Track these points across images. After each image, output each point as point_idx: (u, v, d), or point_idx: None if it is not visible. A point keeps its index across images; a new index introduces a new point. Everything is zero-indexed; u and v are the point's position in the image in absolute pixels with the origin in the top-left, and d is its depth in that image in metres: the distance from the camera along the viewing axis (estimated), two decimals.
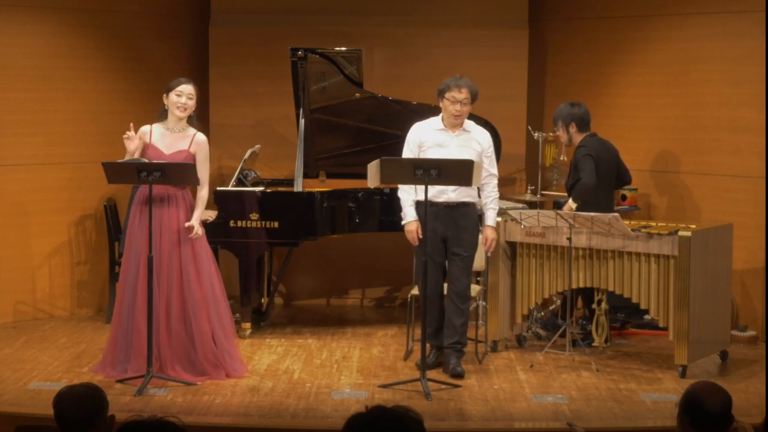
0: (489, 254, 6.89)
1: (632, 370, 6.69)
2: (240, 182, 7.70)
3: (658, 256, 6.48)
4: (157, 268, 6.27)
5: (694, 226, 6.60)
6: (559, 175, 8.42)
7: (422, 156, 6.51)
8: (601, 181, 7.10)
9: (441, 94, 6.55)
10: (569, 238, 6.67)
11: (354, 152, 8.03)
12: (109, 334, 6.57)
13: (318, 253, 8.67)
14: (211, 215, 7.31)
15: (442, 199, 6.53)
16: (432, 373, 6.39)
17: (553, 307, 7.69)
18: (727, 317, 6.99)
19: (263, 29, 8.66)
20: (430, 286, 6.46)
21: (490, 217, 6.64)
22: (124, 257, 6.49)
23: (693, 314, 6.41)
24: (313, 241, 7.63)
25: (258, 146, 8.03)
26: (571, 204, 7.04)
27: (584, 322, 7.42)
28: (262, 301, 8.17)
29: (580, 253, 6.76)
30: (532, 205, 7.98)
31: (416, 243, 6.59)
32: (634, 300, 6.63)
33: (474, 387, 6.31)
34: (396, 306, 8.77)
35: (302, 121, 7.60)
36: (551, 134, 8.14)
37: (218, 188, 7.52)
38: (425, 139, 6.58)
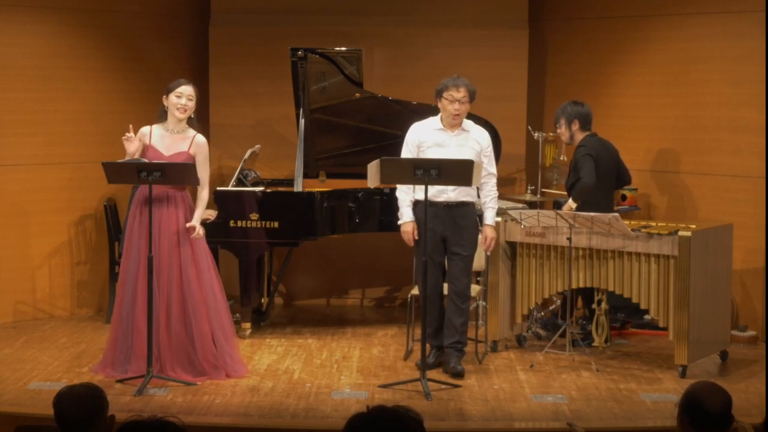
0: (488, 253, 6.89)
1: (632, 370, 6.69)
2: (240, 182, 7.70)
3: (658, 256, 6.48)
4: (157, 269, 6.27)
5: (694, 226, 6.60)
6: (559, 175, 8.42)
7: (421, 156, 6.52)
8: (600, 181, 7.10)
9: (439, 94, 6.56)
10: (569, 238, 6.67)
11: (354, 152, 8.03)
12: (109, 335, 6.57)
13: (318, 253, 8.67)
14: (212, 214, 7.31)
15: (441, 198, 6.54)
16: (432, 373, 6.39)
17: (553, 307, 7.69)
18: (727, 317, 6.99)
19: (263, 29, 8.66)
20: (430, 285, 6.46)
21: (489, 217, 6.65)
22: (124, 257, 6.48)
23: (693, 314, 6.41)
24: (313, 241, 7.63)
25: (258, 146, 8.03)
26: (570, 204, 7.04)
27: (584, 322, 7.42)
28: (262, 301, 8.18)
29: (580, 253, 6.76)
30: (532, 205, 7.97)
31: (411, 243, 6.60)
32: (634, 300, 6.63)
33: (474, 387, 6.31)
34: (396, 306, 8.77)
35: (302, 121, 7.60)
36: (551, 134, 8.14)
37: (218, 188, 7.52)
38: (424, 139, 6.58)
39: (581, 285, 6.84)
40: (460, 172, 6.12)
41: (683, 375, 6.47)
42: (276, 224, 7.39)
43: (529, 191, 8.32)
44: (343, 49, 7.78)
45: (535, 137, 8.18)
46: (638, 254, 6.55)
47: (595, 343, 7.02)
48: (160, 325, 6.32)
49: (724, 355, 6.92)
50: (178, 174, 6.23)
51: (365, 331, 7.80)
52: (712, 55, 7.72)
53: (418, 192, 6.46)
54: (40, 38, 8.05)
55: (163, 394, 6.07)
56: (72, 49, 8.17)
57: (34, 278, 8.12)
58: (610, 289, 6.71)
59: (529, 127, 8.36)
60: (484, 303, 7.22)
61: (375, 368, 6.74)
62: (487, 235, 6.62)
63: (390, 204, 7.38)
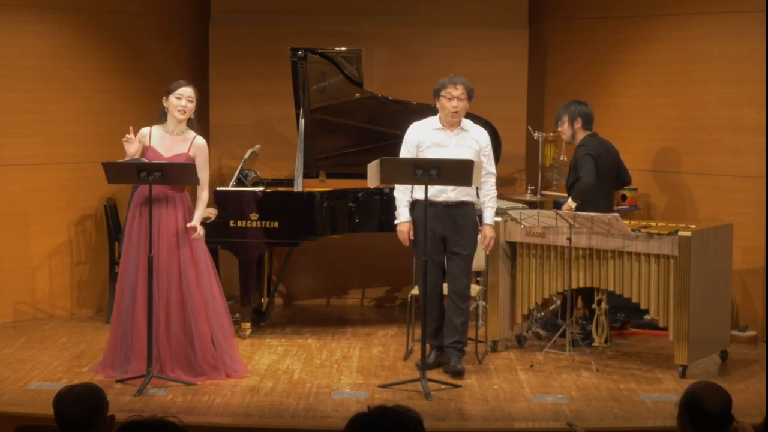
0: (487, 253, 6.89)
1: (632, 370, 6.69)
2: (240, 182, 7.70)
3: (658, 256, 6.48)
4: (156, 270, 6.25)
5: (694, 226, 6.60)
6: (559, 175, 8.42)
7: (420, 156, 6.52)
8: (600, 181, 7.10)
9: (437, 93, 6.56)
10: (569, 238, 6.67)
11: (354, 152, 8.03)
12: (109, 335, 6.57)
13: (318, 253, 8.67)
14: (212, 213, 7.31)
15: (441, 198, 6.54)
16: (432, 373, 6.39)
17: (553, 307, 7.69)
18: (727, 317, 6.99)
19: (263, 29, 8.66)
20: (430, 285, 6.46)
21: (489, 216, 6.65)
22: (123, 258, 6.47)
23: (693, 314, 6.41)
24: (313, 241, 7.63)
25: (258, 146, 8.03)
26: (570, 203, 7.04)
27: (584, 322, 7.42)
28: (262, 301, 8.17)
29: (580, 253, 6.76)
30: (532, 205, 7.98)
31: (407, 244, 6.62)
32: (634, 300, 6.63)
33: (474, 387, 6.31)
34: (396, 306, 8.77)
35: (302, 121, 7.60)
36: (551, 134, 8.14)
37: (218, 188, 7.52)
38: (423, 139, 6.58)
39: (581, 285, 6.84)
40: (460, 172, 6.12)
41: (683, 375, 6.47)
42: (276, 224, 7.39)
43: (529, 191, 8.33)
44: (343, 49, 7.78)
45: (535, 137, 8.18)
46: (638, 254, 6.55)
47: (595, 343, 7.02)
48: (160, 326, 6.31)
49: (724, 355, 6.92)
50: (178, 174, 6.23)
51: (365, 331, 7.80)
52: (712, 55, 7.72)
53: (418, 192, 6.46)
54: (40, 38, 8.05)
55: (163, 394, 6.07)
56: (72, 49, 8.17)
57: (34, 278, 8.12)
58: (610, 289, 6.71)
59: (529, 127, 8.36)
60: (484, 303, 7.22)
61: (375, 368, 6.74)
62: (486, 234, 6.62)
63: (390, 204, 7.37)
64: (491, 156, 6.70)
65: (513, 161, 8.57)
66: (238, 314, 7.53)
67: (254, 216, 7.38)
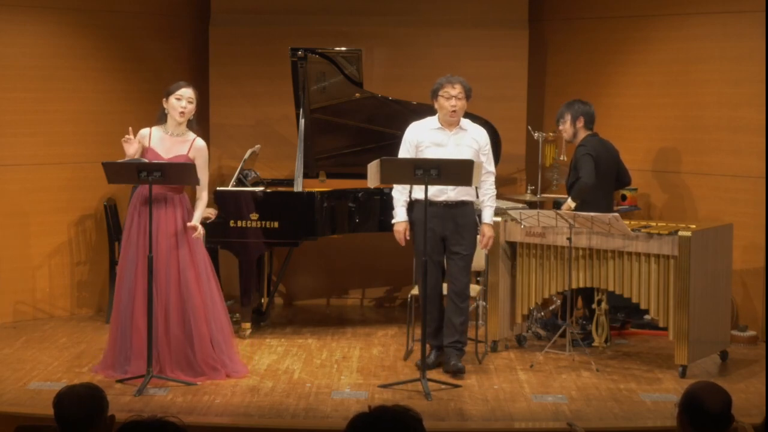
0: (486, 252, 6.89)
1: (632, 370, 6.69)
2: (240, 182, 7.70)
3: (658, 256, 6.48)
4: (155, 271, 6.25)
5: (694, 226, 6.60)
6: (559, 175, 8.42)
7: (419, 155, 6.52)
8: (600, 181, 7.10)
9: (435, 93, 6.56)
10: (569, 238, 6.67)
11: (354, 152, 8.03)
12: (108, 335, 6.56)
13: (318, 253, 8.67)
14: (212, 213, 7.31)
15: (441, 198, 6.54)
16: (432, 373, 6.39)
17: (553, 307, 7.69)
18: (727, 317, 6.99)
19: (263, 29, 8.66)
20: (430, 285, 6.46)
21: (488, 215, 6.65)
22: (121, 258, 6.47)
23: (693, 314, 6.41)
24: (313, 241, 7.63)
25: (258, 146, 8.03)
26: (570, 203, 7.04)
27: (584, 322, 7.42)
28: (262, 301, 8.17)
29: (580, 253, 6.76)
30: (532, 205, 7.98)
31: (403, 243, 6.63)
32: (634, 300, 6.63)
33: (474, 387, 6.31)
34: (396, 306, 8.77)
35: (302, 121, 7.60)
36: (551, 134, 8.14)
37: (218, 188, 7.52)
38: (422, 139, 6.58)
39: (581, 285, 6.84)
40: (460, 172, 6.12)
41: (683, 375, 6.47)
42: (276, 224, 7.39)
43: (529, 191, 8.33)
44: (343, 49, 7.78)
45: (535, 137, 8.18)
46: (638, 254, 6.55)
47: (595, 343, 7.02)
48: (159, 327, 6.31)
49: (724, 355, 6.92)
50: (178, 174, 6.23)
51: (365, 331, 7.80)
52: (712, 55, 7.72)
53: (418, 191, 6.46)
54: (40, 38, 8.05)
55: (163, 394, 6.07)
56: (72, 49, 8.17)
57: (34, 278, 8.12)
58: (610, 289, 6.71)
59: (529, 127, 8.36)
60: (484, 303, 7.22)
61: (375, 368, 6.74)
62: (484, 233, 6.62)
63: (390, 204, 7.36)
64: (490, 155, 6.70)
65: (513, 161, 8.57)
66: (238, 314, 7.53)
67: (254, 216, 7.38)
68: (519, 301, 7.10)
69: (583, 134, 7.24)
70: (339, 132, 8.02)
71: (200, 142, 6.45)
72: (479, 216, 6.69)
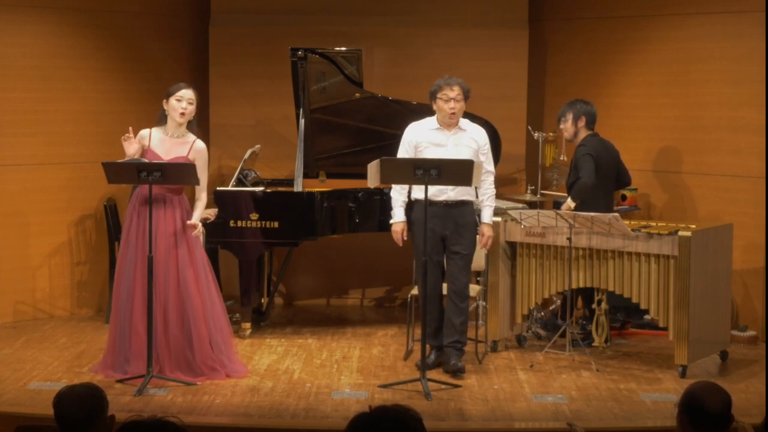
0: (486, 251, 6.89)
1: (632, 370, 6.69)
2: (240, 182, 7.70)
3: (658, 256, 6.48)
4: (154, 271, 6.24)
5: (694, 226, 6.60)
6: (559, 175, 8.42)
7: (418, 156, 6.52)
8: (600, 181, 7.10)
9: (433, 95, 6.56)
10: (569, 238, 6.67)
11: (354, 152, 8.03)
12: (108, 335, 6.56)
13: (318, 253, 8.67)
14: (212, 213, 7.30)
15: (441, 198, 6.54)
16: (432, 373, 6.39)
17: (553, 307, 7.69)
18: (727, 317, 6.99)
19: (263, 29, 8.66)
20: (430, 285, 6.46)
21: (487, 215, 6.65)
22: (120, 258, 6.47)
23: (693, 314, 6.41)
24: (313, 241, 7.63)
25: (258, 146, 8.03)
26: (569, 203, 7.04)
27: (584, 322, 7.42)
28: (262, 301, 8.17)
29: (580, 253, 6.76)
30: (532, 205, 7.98)
31: (401, 244, 6.63)
32: (634, 300, 6.63)
33: (474, 387, 6.31)
34: (396, 306, 8.77)
35: (302, 121, 7.60)
36: (551, 134, 8.14)
37: (218, 188, 7.52)
38: (421, 139, 6.58)
39: (581, 285, 6.84)
40: (460, 172, 6.12)
41: (683, 375, 6.47)
42: (276, 224, 7.39)
43: (529, 191, 8.33)
44: (343, 49, 7.78)
45: (535, 137, 8.18)
46: (638, 254, 6.55)
47: (595, 343, 7.02)
48: (158, 328, 6.30)
49: (724, 355, 6.92)
50: (178, 174, 6.22)
51: (365, 331, 7.80)
52: (712, 55, 7.72)
53: (418, 191, 6.46)
54: (40, 38, 8.05)
55: (163, 394, 6.07)
56: (72, 49, 8.17)
57: (34, 278, 8.12)
58: (610, 289, 6.71)
59: (529, 127, 8.36)
60: (484, 303, 7.22)
61: (375, 368, 6.74)
62: (484, 233, 6.63)
63: (390, 204, 7.37)
64: (490, 155, 6.70)
65: (513, 161, 8.57)
66: (238, 314, 7.54)
67: (254, 216, 7.38)
68: (519, 301, 7.10)
69: (583, 134, 7.24)
70: (339, 132, 8.02)
71: (200, 144, 6.45)
72: (479, 216, 6.69)
